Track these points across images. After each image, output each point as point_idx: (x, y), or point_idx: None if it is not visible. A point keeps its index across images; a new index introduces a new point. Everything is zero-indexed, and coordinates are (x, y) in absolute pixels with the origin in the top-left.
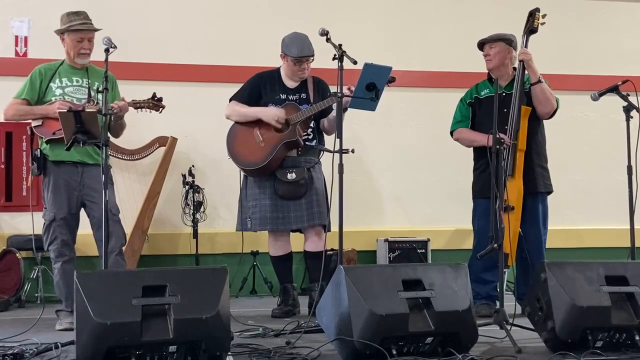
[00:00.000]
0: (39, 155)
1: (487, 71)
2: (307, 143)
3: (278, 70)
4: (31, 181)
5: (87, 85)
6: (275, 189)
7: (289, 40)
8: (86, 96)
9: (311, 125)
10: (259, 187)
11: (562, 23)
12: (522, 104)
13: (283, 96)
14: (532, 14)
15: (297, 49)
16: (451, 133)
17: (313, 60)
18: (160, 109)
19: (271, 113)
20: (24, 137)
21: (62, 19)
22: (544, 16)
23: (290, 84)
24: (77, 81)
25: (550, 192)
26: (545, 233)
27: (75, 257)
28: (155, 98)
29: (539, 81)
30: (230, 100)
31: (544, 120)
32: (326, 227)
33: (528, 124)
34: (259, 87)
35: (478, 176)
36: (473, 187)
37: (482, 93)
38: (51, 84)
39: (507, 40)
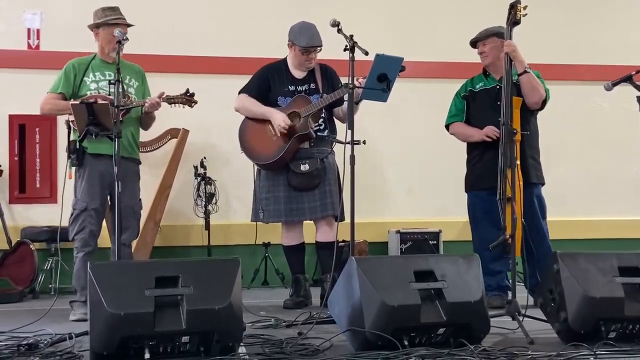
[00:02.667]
0: (77, 147)
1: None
2: (318, 134)
3: (285, 60)
4: (69, 174)
5: (120, 80)
6: (289, 181)
7: (298, 29)
8: (119, 90)
9: (322, 115)
10: (272, 179)
11: (575, 13)
12: (513, 95)
13: (292, 87)
14: (514, 6)
15: (306, 38)
16: (447, 127)
17: (320, 50)
18: (193, 104)
19: (277, 119)
20: (37, 129)
21: (97, 14)
22: (525, 7)
23: (298, 74)
24: (110, 75)
25: (542, 184)
26: (545, 224)
27: (97, 249)
28: (188, 94)
29: (525, 71)
30: (239, 92)
31: (540, 112)
32: (338, 217)
33: (520, 115)
34: (268, 79)
35: (472, 168)
36: (467, 179)
37: (477, 86)
38: (85, 78)
39: (499, 34)
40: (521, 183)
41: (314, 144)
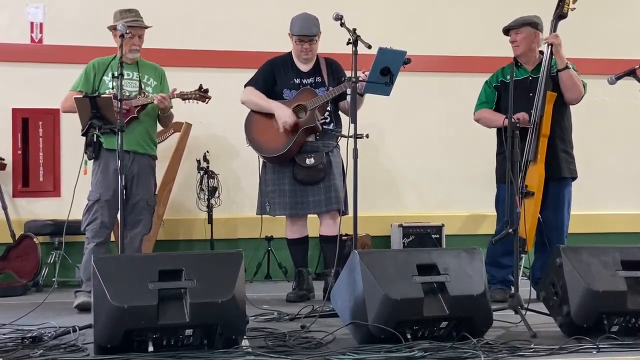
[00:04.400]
0: (95, 140)
1: (505, 56)
2: (324, 127)
3: (290, 53)
4: (84, 170)
5: (138, 79)
6: (294, 174)
7: (295, 18)
8: (137, 89)
9: (328, 108)
10: (277, 172)
11: (579, 5)
12: (548, 89)
13: (297, 80)
14: None
15: (299, 27)
16: (474, 114)
17: (317, 41)
18: (207, 99)
19: (282, 116)
20: (40, 123)
21: (115, 16)
22: (574, 1)
23: (304, 67)
24: (129, 75)
25: (574, 177)
26: (568, 219)
27: (109, 241)
28: (202, 90)
29: (567, 67)
30: (245, 86)
31: (571, 106)
32: (341, 211)
33: (554, 109)
34: (273, 72)
35: (502, 161)
36: (497, 172)
37: (508, 77)
38: (104, 77)
39: (533, 24)
40: (542, 178)
41: (320, 138)
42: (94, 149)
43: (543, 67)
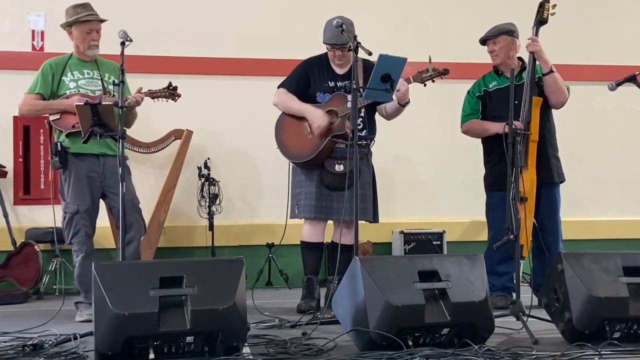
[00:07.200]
0: (59, 149)
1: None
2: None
3: (326, 54)
4: (52, 175)
5: (100, 77)
6: (322, 179)
7: (327, 24)
8: (100, 88)
9: (361, 114)
10: (306, 174)
11: (579, 12)
12: (533, 95)
13: (332, 83)
14: (542, 5)
15: (329, 34)
16: (461, 127)
17: (348, 49)
18: (176, 97)
19: (316, 119)
20: (42, 130)
21: (68, 12)
22: (553, 6)
23: (339, 70)
24: (89, 73)
25: (562, 181)
26: (560, 223)
27: (94, 250)
28: (171, 87)
29: (551, 71)
30: (278, 87)
31: (554, 110)
32: (374, 218)
33: (540, 114)
34: (307, 73)
35: (491, 168)
36: (485, 179)
37: (491, 85)
38: (63, 78)
39: (509, 32)
40: (534, 184)
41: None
42: (60, 159)
43: (527, 73)
